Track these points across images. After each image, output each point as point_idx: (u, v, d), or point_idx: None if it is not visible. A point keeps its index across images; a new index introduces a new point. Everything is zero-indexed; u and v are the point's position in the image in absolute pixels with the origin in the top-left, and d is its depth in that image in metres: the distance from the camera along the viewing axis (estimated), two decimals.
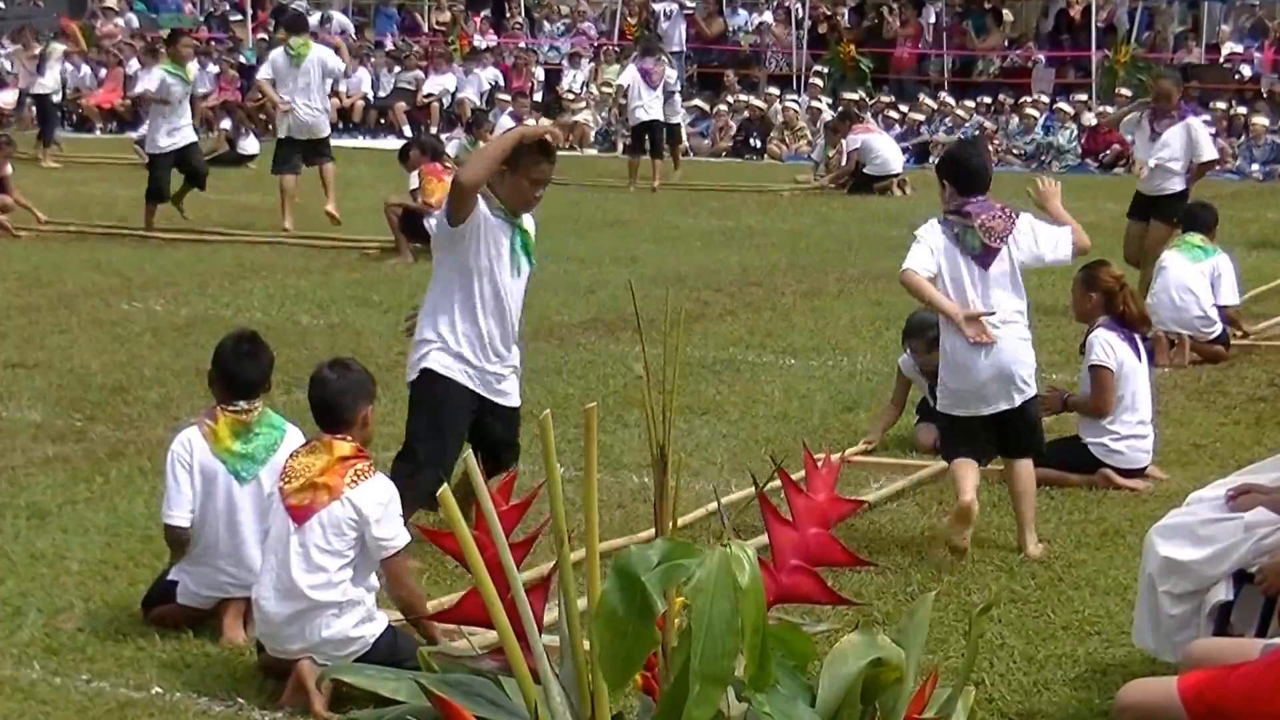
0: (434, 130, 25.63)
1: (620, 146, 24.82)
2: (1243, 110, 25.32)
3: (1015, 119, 25.99)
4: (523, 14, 34.92)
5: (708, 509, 7.69)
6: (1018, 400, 7.32)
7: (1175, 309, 11.34)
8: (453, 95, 29.34)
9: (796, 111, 26.85)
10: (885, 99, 26.82)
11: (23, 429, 9.29)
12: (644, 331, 4.23)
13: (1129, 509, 8.02)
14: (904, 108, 26.43)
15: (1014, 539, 7.51)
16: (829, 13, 31.19)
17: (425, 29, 33.88)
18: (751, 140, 26.93)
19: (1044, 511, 8.00)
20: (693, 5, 32.10)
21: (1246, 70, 28.45)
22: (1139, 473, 8.49)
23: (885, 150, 22.10)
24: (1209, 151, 13.06)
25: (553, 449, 3.89)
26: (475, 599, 4.07)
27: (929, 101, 26.58)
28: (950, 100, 26.53)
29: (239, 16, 34.57)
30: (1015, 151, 25.44)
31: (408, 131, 27.39)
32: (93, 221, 17.55)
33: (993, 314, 7.23)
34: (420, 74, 30.00)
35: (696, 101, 28.06)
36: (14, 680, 5.93)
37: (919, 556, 7.29)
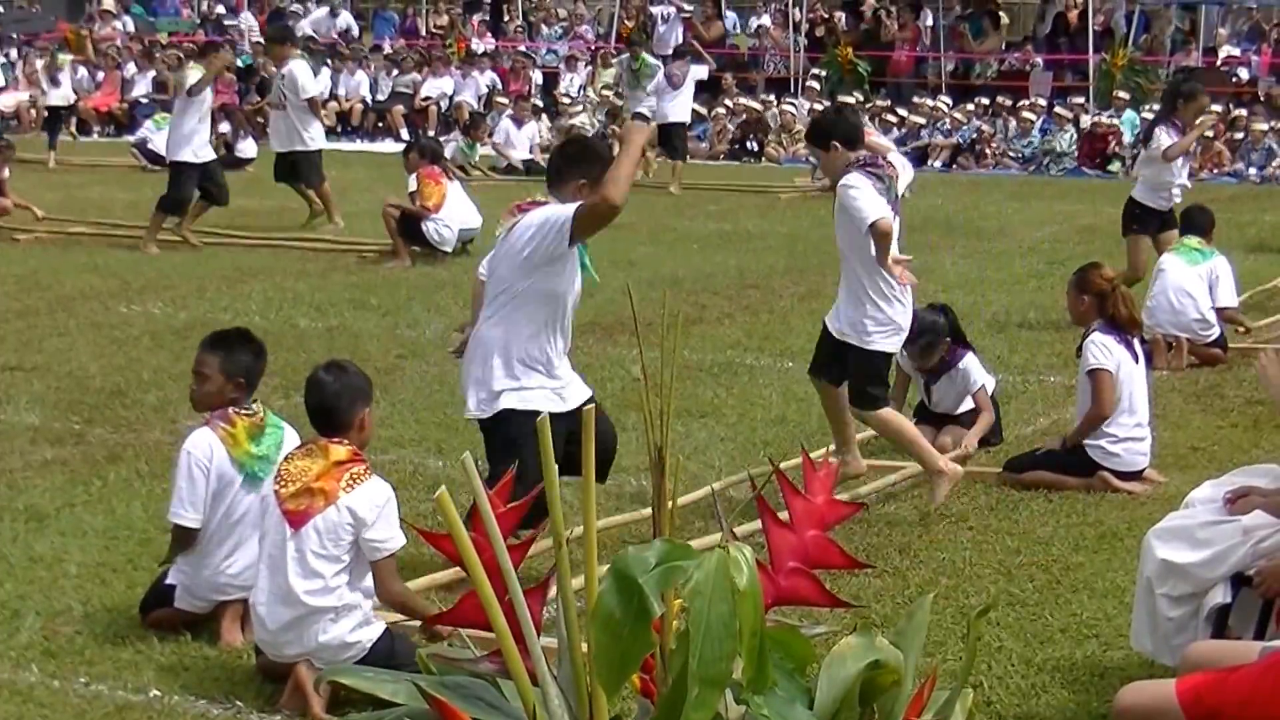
0: (431, 133, 25.64)
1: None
2: (1240, 113, 25.34)
3: (1013, 122, 26.00)
4: (520, 17, 34.95)
5: (699, 494, 7.80)
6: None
7: (1173, 312, 11.34)
8: (450, 98, 29.36)
9: (794, 114, 26.86)
10: (881, 103, 26.79)
11: (21, 432, 9.29)
12: (641, 334, 4.23)
13: (1127, 512, 8.02)
14: (902, 111, 26.43)
15: (1013, 543, 7.52)
16: (827, 16, 31.22)
17: (423, 32, 33.90)
18: (749, 143, 26.94)
19: (1042, 514, 8.01)
20: (690, 8, 32.13)
21: (1244, 73, 28.47)
22: (1137, 475, 8.49)
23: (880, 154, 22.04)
24: None
25: (550, 452, 3.89)
26: (473, 601, 4.07)
27: (927, 102, 26.58)
28: (948, 103, 26.53)
29: (235, 20, 34.60)
30: (1013, 155, 25.45)
31: (406, 135, 27.41)
32: (91, 220, 17.55)
33: (911, 259, 8.05)
34: (418, 77, 30.01)
35: (694, 105, 28.02)
36: (12, 683, 5.93)
37: (917, 559, 7.30)
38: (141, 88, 29.15)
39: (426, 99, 29.40)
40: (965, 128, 25.89)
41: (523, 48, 32.53)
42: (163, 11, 37.11)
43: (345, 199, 18.37)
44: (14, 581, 6.93)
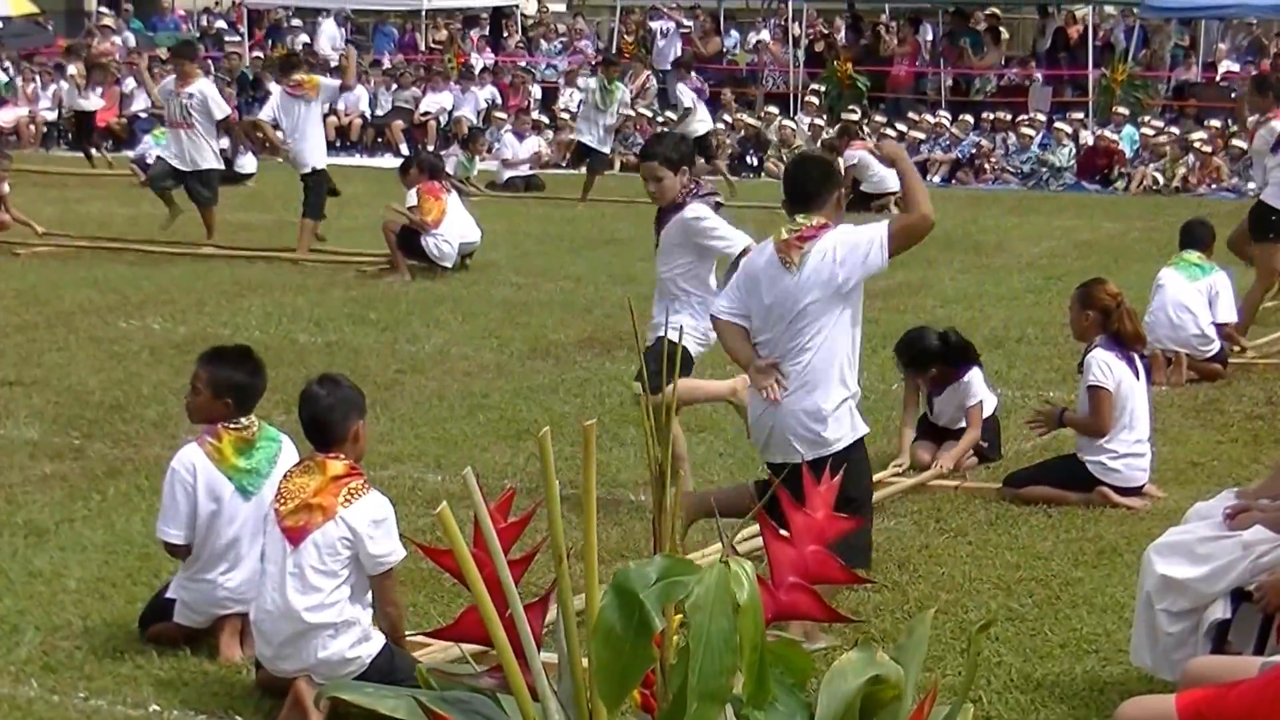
0: (430, 148, 25.65)
1: (619, 165, 24.79)
2: None
3: (1012, 137, 26.01)
4: (520, 32, 34.98)
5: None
6: None
7: (1172, 327, 11.33)
8: (450, 113, 29.38)
9: (793, 130, 26.87)
10: (880, 119, 26.80)
11: (20, 447, 9.29)
12: (641, 349, 4.24)
13: (1126, 527, 8.02)
14: (902, 126, 26.44)
15: (1012, 558, 7.52)
16: (826, 31, 31.24)
17: (422, 48, 33.93)
18: (748, 158, 26.96)
19: (1041, 529, 8.01)
20: (689, 24, 32.15)
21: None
22: (1136, 491, 8.49)
23: (882, 168, 22.10)
24: None
25: (551, 466, 3.89)
26: (473, 616, 4.06)
27: (927, 117, 26.60)
28: (947, 118, 26.55)
29: (236, 36, 34.63)
30: (1012, 170, 25.46)
31: (405, 150, 27.41)
32: (92, 235, 17.57)
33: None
34: (417, 92, 30.03)
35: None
36: (12, 698, 5.93)
37: (916, 574, 7.30)
38: (140, 102, 29.12)
39: (426, 114, 29.42)
40: (964, 142, 25.90)
41: (522, 63, 32.56)
42: (162, 26, 37.17)
43: (344, 214, 18.37)
44: (13, 596, 6.93)
